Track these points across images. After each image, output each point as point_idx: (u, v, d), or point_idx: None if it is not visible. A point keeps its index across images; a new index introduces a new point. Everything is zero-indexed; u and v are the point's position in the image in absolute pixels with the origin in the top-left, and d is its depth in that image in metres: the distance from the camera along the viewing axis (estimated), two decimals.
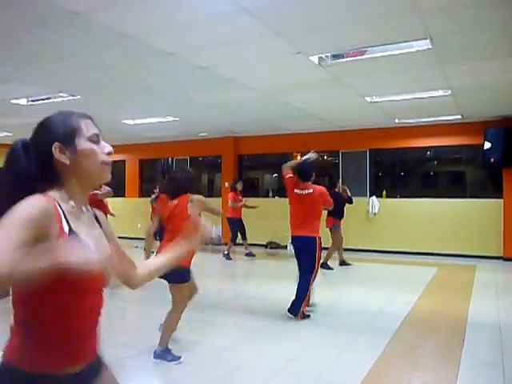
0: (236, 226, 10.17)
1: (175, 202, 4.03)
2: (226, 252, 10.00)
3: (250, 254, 10.16)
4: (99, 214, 1.51)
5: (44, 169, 1.31)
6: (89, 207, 1.44)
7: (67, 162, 1.32)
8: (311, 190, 5.40)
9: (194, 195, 4.08)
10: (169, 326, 3.96)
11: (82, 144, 1.37)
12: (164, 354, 3.88)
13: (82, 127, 1.40)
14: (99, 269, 1.15)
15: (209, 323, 5.20)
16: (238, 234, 10.21)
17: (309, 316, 5.34)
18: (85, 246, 1.19)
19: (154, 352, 3.90)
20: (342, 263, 9.05)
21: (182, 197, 4.03)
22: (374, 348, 4.20)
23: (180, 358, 3.91)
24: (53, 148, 1.31)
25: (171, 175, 4.41)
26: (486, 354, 4.17)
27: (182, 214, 3.93)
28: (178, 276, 3.75)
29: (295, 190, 5.46)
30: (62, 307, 1.27)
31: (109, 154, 1.42)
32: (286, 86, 6.96)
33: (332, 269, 8.50)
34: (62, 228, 1.24)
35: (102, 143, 1.44)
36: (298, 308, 5.24)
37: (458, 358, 3.98)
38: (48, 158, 1.31)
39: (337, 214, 8.67)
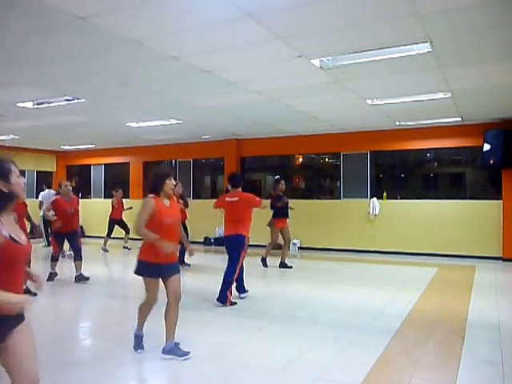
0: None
1: None
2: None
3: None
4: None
5: None
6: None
7: (6, 191, 2.18)
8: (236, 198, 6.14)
9: (145, 199, 4.01)
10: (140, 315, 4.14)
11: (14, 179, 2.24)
12: (174, 349, 3.98)
13: (13, 168, 2.26)
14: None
15: (212, 322, 5.25)
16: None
17: (235, 303, 5.91)
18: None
19: (164, 349, 3.99)
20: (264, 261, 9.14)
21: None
22: (376, 347, 4.25)
23: (189, 353, 3.99)
24: None
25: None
26: (485, 352, 4.22)
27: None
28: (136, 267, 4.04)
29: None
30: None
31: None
32: (288, 89, 7.03)
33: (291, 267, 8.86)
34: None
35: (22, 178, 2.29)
36: (225, 296, 5.85)
37: (459, 357, 4.03)
38: None
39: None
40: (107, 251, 11.55)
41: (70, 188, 7.64)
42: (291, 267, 8.85)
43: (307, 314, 5.66)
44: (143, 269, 3.99)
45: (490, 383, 3.61)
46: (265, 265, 8.96)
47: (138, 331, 4.14)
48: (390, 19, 4.33)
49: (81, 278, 7.38)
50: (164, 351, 3.97)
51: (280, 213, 8.95)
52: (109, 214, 11.86)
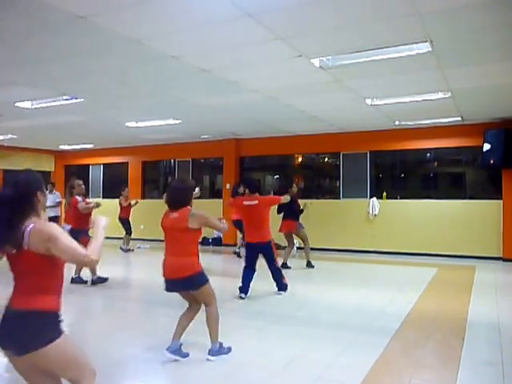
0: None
1: (176, 214, 3.94)
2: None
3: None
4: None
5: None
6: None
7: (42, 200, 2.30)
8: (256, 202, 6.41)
9: (195, 210, 3.97)
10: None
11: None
12: (220, 349, 4.04)
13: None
14: None
15: None
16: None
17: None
18: None
19: (210, 351, 4.01)
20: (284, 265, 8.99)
21: (182, 209, 3.93)
22: (375, 347, 4.23)
23: (188, 354, 4.01)
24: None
25: (171, 185, 4.31)
26: (485, 353, 4.21)
27: (181, 226, 3.89)
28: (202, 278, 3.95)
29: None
30: None
31: None
32: (288, 89, 7.02)
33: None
34: None
35: None
36: (283, 285, 6.60)
37: (458, 358, 4.01)
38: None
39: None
40: (132, 250, 11.51)
41: (84, 187, 7.64)
42: (290, 267, 8.84)
43: (307, 314, 5.65)
44: (206, 275, 4.01)
45: (490, 383, 3.59)
46: (311, 266, 8.95)
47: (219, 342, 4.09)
48: (389, 19, 4.32)
49: (78, 281, 7.33)
50: (169, 350, 3.96)
51: (287, 215, 8.90)
52: (117, 214, 11.60)
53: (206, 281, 3.94)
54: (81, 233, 7.26)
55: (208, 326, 4.02)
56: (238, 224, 10.45)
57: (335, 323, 5.17)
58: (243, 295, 6.30)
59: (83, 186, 7.61)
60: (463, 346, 4.34)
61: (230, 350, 4.10)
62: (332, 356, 4.09)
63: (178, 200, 3.97)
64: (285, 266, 8.86)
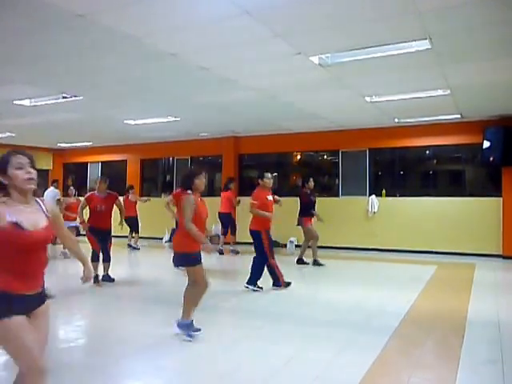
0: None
1: (203, 200, 4.55)
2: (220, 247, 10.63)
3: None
4: (47, 205, 2.40)
5: None
6: (37, 202, 2.36)
7: (6, 182, 2.22)
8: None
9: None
10: (187, 300, 4.48)
11: (11, 171, 2.23)
12: (185, 327, 4.42)
13: (12, 160, 2.24)
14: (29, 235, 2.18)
15: (209, 322, 5.21)
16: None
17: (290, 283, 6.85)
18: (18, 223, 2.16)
19: (178, 323, 4.45)
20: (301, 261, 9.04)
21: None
22: (374, 346, 4.22)
23: (199, 330, 4.43)
24: None
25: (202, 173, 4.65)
26: (485, 351, 4.19)
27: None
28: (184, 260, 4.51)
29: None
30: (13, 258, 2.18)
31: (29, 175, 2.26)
32: (287, 86, 7.00)
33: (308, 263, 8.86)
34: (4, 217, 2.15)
35: (26, 169, 2.26)
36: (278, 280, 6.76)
37: (458, 356, 3.99)
38: None
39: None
40: (138, 249, 11.50)
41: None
42: (308, 263, 8.83)
43: (306, 312, 5.63)
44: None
45: (490, 382, 3.58)
46: (319, 264, 8.80)
47: (187, 320, 4.45)
48: (388, 16, 4.30)
49: (106, 279, 7.27)
50: (178, 324, 4.45)
51: (307, 211, 8.96)
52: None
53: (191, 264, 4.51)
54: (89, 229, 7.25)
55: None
56: (223, 218, 10.53)
57: (334, 322, 5.15)
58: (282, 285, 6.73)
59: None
60: (463, 344, 4.32)
61: (191, 335, 4.40)
62: (331, 355, 4.07)
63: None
64: (316, 262, 8.79)
